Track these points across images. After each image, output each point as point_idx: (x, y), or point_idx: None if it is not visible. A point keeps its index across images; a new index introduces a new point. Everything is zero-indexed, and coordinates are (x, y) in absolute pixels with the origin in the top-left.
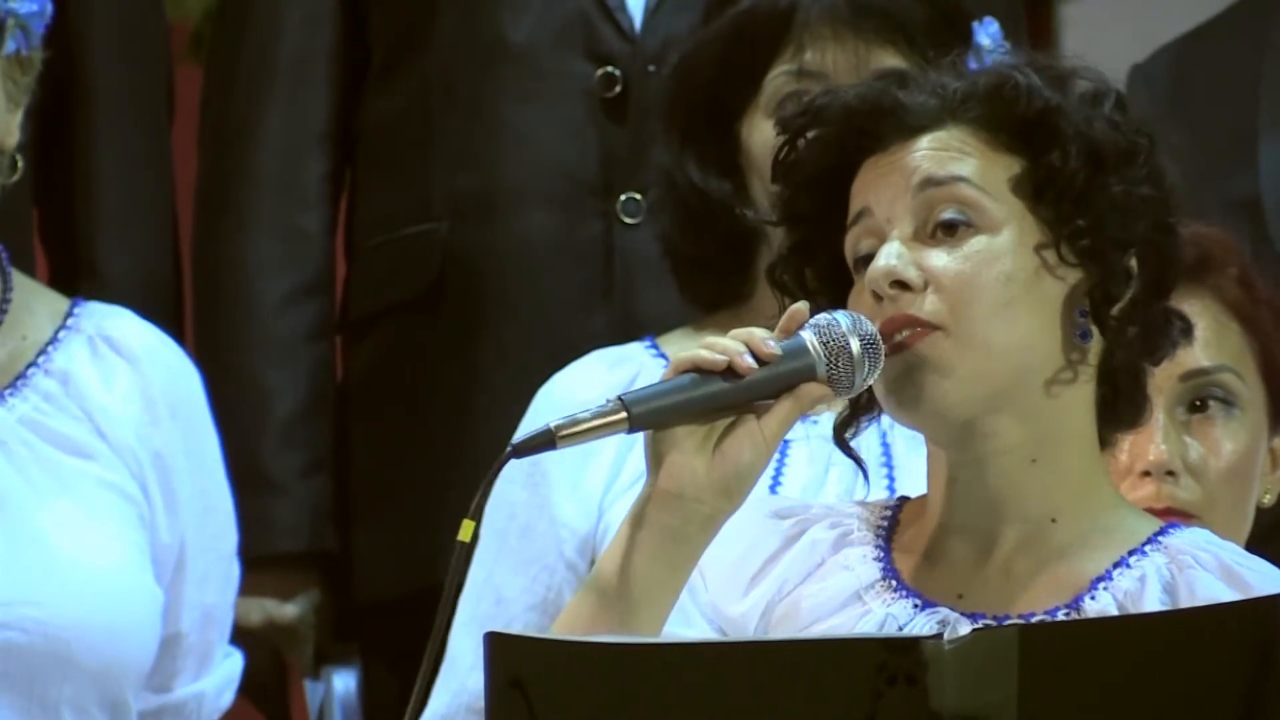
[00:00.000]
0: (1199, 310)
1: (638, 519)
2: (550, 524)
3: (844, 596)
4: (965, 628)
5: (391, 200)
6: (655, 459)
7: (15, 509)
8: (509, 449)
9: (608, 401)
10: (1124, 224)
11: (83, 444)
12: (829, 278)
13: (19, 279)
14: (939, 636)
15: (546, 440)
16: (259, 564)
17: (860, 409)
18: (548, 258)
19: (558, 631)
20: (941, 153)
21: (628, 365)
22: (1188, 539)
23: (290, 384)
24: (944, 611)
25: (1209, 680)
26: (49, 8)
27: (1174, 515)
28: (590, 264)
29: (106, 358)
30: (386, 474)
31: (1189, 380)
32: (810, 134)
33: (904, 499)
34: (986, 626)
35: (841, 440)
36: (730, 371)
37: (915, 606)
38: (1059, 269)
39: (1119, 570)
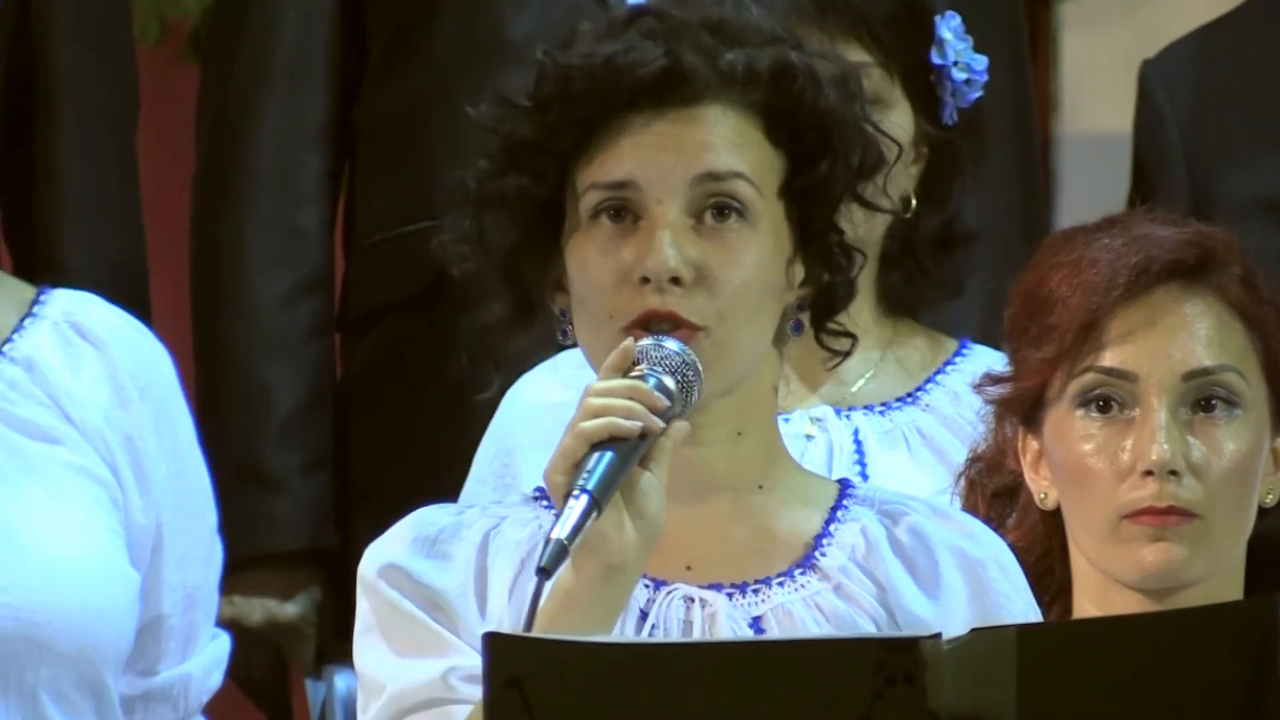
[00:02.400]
0: (1202, 309)
1: (576, 598)
2: None
3: None
4: (716, 601)
5: (391, 197)
6: (594, 538)
7: None
8: (538, 572)
9: (577, 496)
10: (862, 235)
11: (49, 429)
12: (530, 199)
13: None
14: (938, 636)
15: (562, 553)
16: (260, 562)
17: None
18: None
19: None
20: (722, 142)
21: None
22: (876, 490)
23: (290, 382)
24: (683, 588)
25: (1208, 680)
26: None
27: (1176, 515)
28: None
29: (73, 343)
30: (387, 471)
31: (1192, 380)
32: (579, 80)
33: None
34: (985, 627)
35: None
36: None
37: (647, 585)
38: (797, 274)
39: (834, 526)
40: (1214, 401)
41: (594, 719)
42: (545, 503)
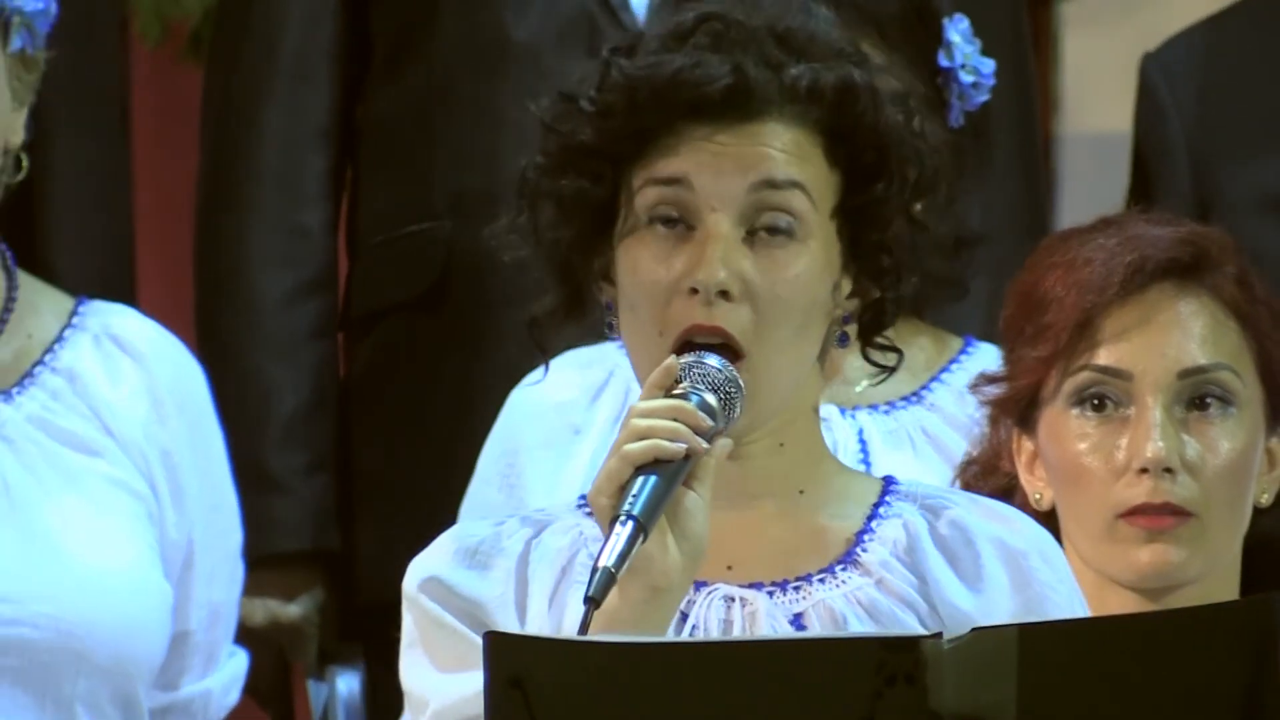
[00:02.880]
0: (1196, 308)
1: (621, 621)
2: None
3: None
4: (756, 599)
5: (394, 198)
6: (640, 561)
7: (24, 506)
8: (587, 601)
9: (624, 522)
10: (918, 257)
11: (90, 441)
12: (587, 200)
13: (24, 278)
14: (938, 636)
15: (610, 581)
16: (262, 563)
17: None
18: None
19: None
20: (783, 154)
21: (600, 366)
22: (919, 486)
23: (292, 382)
24: (723, 587)
25: (1208, 680)
26: (54, 7)
27: (1171, 513)
28: None
29: (113, 355)
30: (389, 472)
31: (1187, 378)
32: (644, 90)
33: None
34: (985, 627)
35: None
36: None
37: None
38: (844, 290)
39: (876, 522)
40: (1208, 400)
41: (595, 719)
42: (588, 509)
